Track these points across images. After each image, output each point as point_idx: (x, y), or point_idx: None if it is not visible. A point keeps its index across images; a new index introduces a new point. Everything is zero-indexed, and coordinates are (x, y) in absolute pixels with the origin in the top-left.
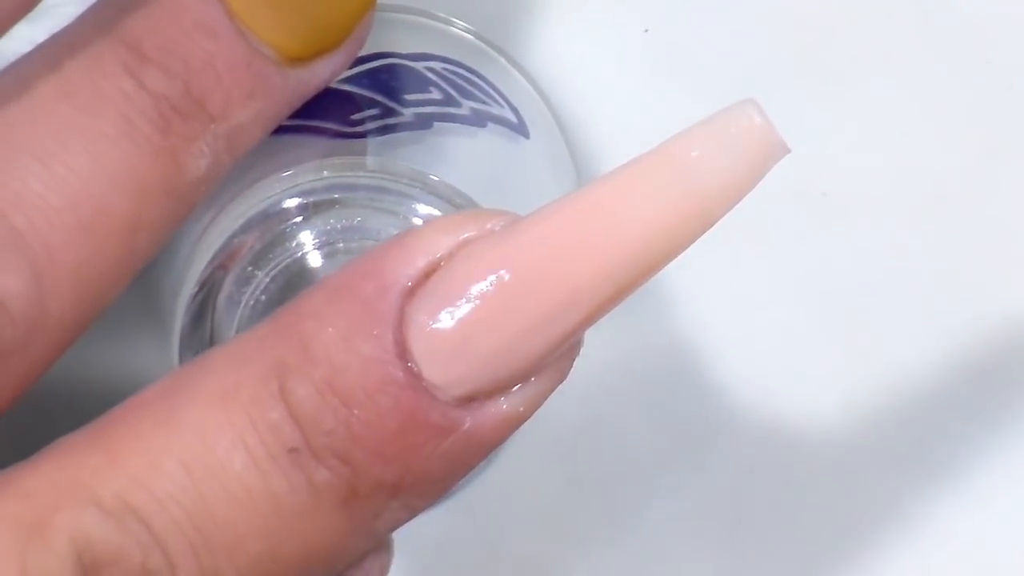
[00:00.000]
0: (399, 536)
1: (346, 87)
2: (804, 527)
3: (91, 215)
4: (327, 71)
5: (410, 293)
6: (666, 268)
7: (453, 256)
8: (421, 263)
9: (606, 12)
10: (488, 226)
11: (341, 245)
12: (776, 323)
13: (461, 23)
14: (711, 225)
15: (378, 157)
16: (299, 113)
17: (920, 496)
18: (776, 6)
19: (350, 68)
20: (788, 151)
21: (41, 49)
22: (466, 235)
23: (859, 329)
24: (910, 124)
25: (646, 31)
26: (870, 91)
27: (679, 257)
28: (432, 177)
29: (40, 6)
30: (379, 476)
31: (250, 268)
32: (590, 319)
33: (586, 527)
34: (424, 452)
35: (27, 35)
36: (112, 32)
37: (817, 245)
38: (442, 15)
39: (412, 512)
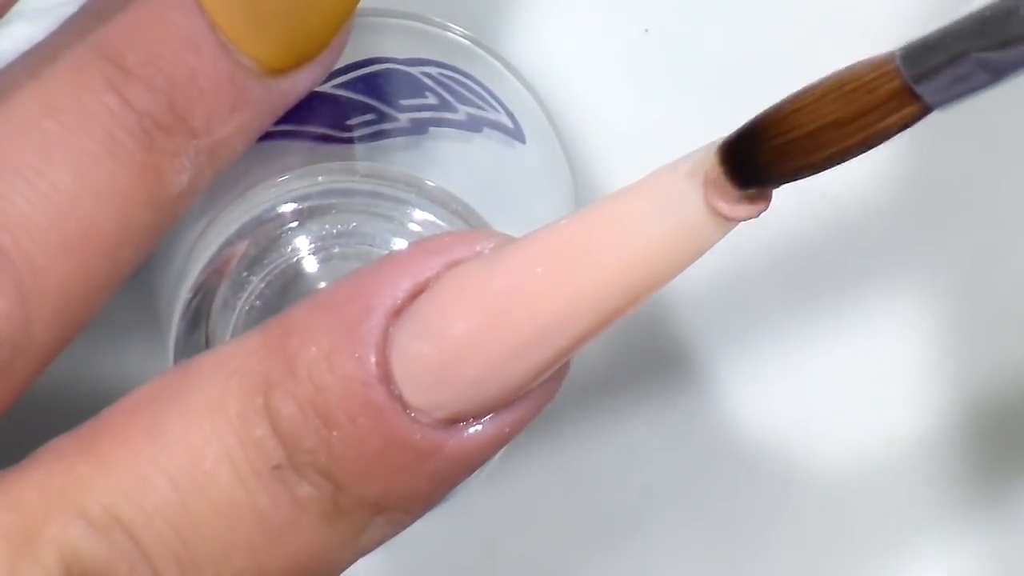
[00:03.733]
0: (398, 536)
1: (341, 92)
2: (803, 528)
3: (76, 233)
4: (307, 81)
5: (395, 314)
6: None
7: (440, 278)
8: (407, 285)
9: (606, 12)
10: (477, 248)
11: (336, 250)
12: (775, 322)
13: (457, 28)
14: (697, 257)
15: (373, 162)
16: (294, 119)
17: (921, 497)
18: (776, 6)
19: (346, 73)
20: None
21: (25, 62)
22: (454, 257)
23: (859, 328)
24: None
25: (646, 31)
26: None
27: None
28: (428, 182)
29: (40, 5)
30: (362, 493)
31: (245, 273)
32: (572, 348)
33: (586, 527)
34: (406, 472)
35: (26, 35)
36: (96, 46)
37: (817, 245)
38: (437, 19)
39: (398, 527)
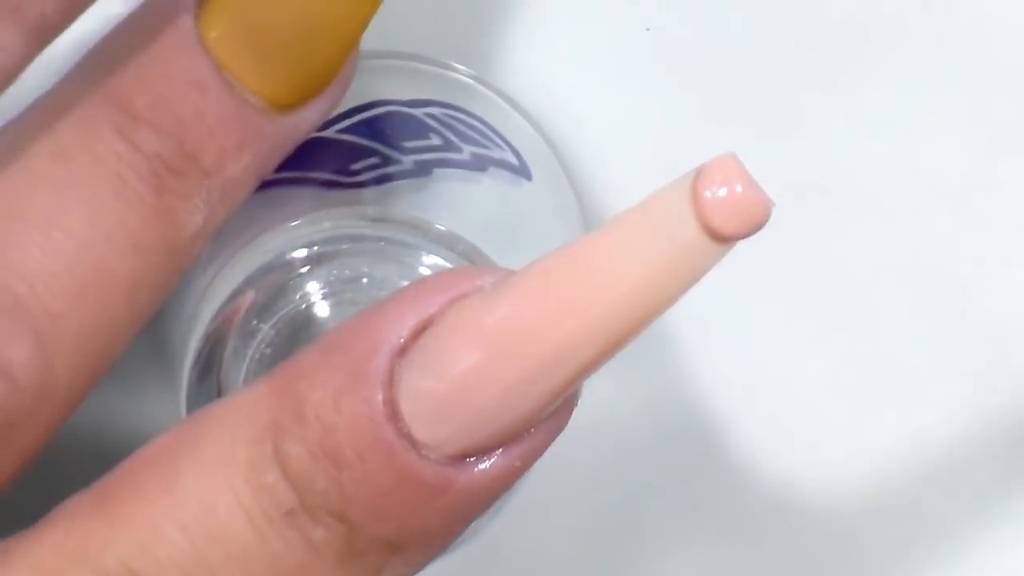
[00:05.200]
0: None
1: (345, 136)
2: (803, 531)
3: (91, 279)
4: (315, 115)
5: (401, 352)
6: None
7: (444, 314)
8: (411, 321)
9: (608, 18)
10: (479, 283)
11: (348, 295)
12: (775, 323)
13: (459, 66)
14: (699, 279)
15: (380, 206)
16: (299, 165)
17: (920, 496)
18: (778, 6)
19: (348, 117)
20: (772, 204)
21: (34, 112)
22: (457, 292)
23: (860, 329)
24: (911, 123)
25: (647, 30)
26: (870, 90)
27: None
28: (436, 225)
29: None
30: (375, 533)
31: (255, 321)
32: (579, 376)
33: (586, 527)
34: (419, 510)
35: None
36: (102, 92)
37: (817, 245)
38: (439, 59)
39: (416, 567)
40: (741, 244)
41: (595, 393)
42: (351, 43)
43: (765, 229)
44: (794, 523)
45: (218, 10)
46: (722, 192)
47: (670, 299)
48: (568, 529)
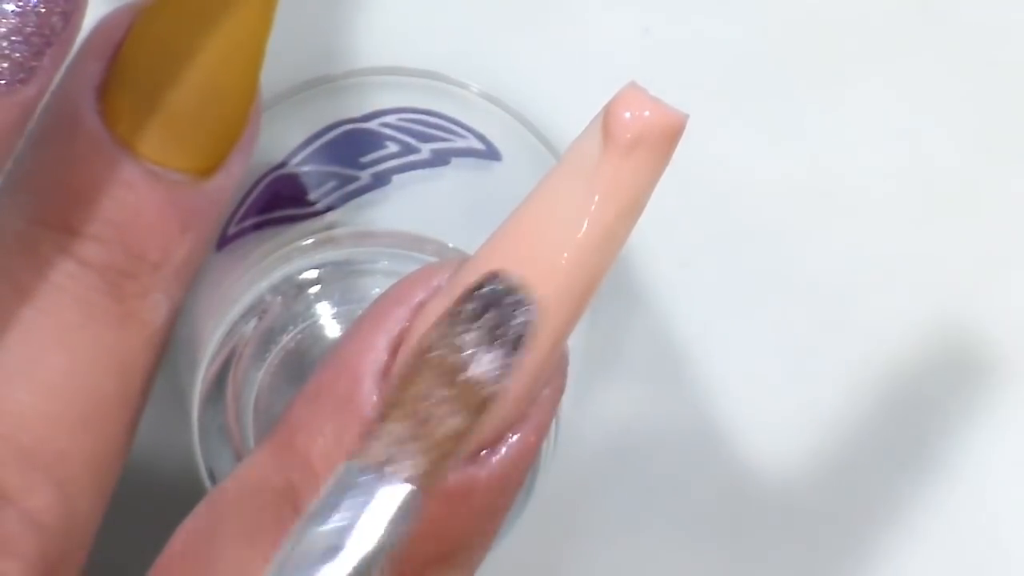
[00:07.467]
0: None
1: (303, 168)
2: (803, 531)
3: (87, 407)
4: (239, 167)
5: (384, 375)
6: (663, 266)
7: (413, 326)
8: (383, 343)
9: (603, 13)
10: (435, 283)
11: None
12: (774, 323)
13: (414, 68)
14: (644, 205)
15: (347, 227)
16: (261, 208)
17: (919, 496)
18: (776, 7)
19: (305, 147)
20: (686, 116)
21: None
22: (417, 299)
23: (860, 330)
24: (911, 124)
25: (646, 30)
26: (870, 91)
27: (678, 256)
28: (398, 231)
29: None
30: (424, 553)
31: (250, 360)
32: (559, 339)
33: (587, 528)
34: (455, 518)
35: None
36: (39, 219)
37: (818, 245)
38: (388, 66)
39: (473, 568)
40: (742, 246)
41: (595, 394)
42: (252, 86)
43: (766, 230)
44: (794, 523)
45: (120, 101)
46: (633, 124)
47: (622, 239)
48: (568, 529)
